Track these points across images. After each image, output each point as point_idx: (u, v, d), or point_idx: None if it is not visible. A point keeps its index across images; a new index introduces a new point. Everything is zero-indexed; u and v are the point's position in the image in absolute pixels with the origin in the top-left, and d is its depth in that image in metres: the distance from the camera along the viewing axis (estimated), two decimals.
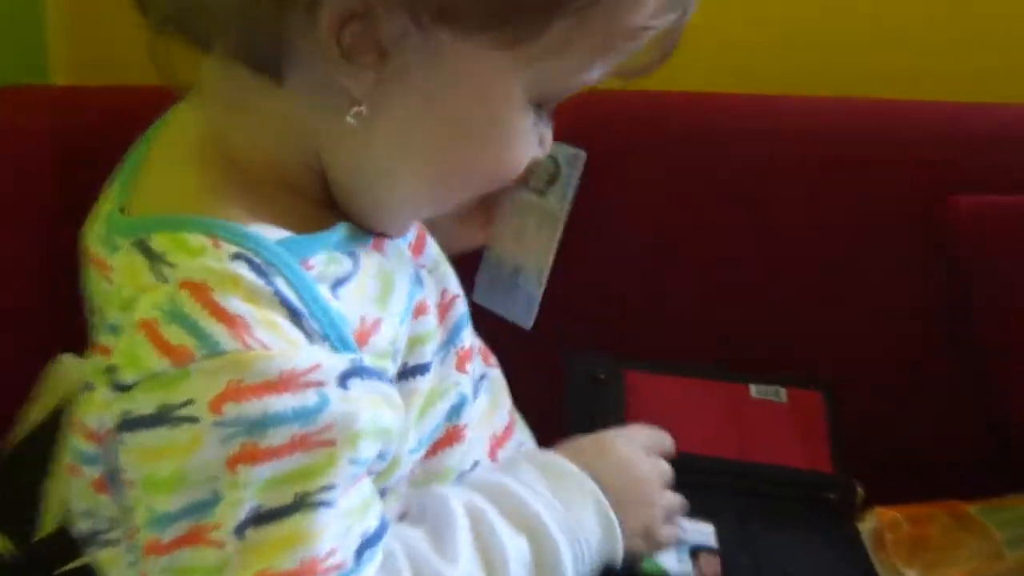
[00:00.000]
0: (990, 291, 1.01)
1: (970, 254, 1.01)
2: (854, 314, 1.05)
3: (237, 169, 0.63)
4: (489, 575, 0.65)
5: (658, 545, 0.74)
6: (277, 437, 0.56)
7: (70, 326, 0.68)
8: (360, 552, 0.59)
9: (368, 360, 0.61)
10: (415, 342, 0.67)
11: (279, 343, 0.56)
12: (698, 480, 0.79)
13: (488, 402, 0.77)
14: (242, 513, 0.56)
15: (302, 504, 0.57)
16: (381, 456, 0.62)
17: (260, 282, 0.57)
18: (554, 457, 0.71)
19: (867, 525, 0.93)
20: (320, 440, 0.57)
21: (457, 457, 0.71)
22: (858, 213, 1.03)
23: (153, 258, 0.59)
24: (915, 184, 1.02)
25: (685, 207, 1.02)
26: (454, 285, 0.75)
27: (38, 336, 0.88)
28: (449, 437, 0.71)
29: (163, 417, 0.56)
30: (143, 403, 0.56)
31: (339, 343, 0.59)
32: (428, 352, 0.68)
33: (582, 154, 0.78)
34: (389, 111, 0.60)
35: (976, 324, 1.02)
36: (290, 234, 0.61)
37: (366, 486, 0.61)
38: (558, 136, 0.70)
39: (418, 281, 0.70)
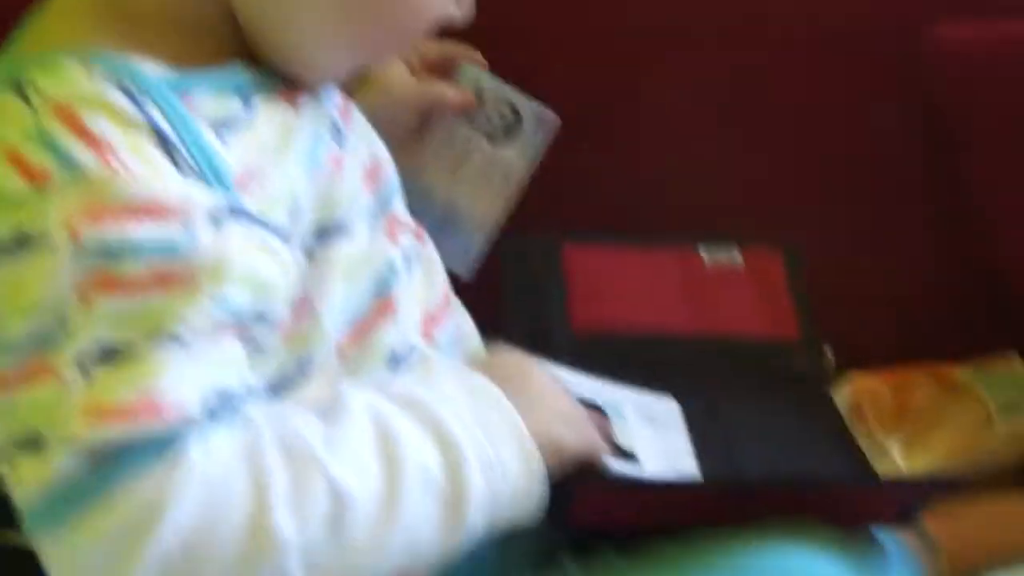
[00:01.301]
0: (975, 124, 0.99)
1: (952, 87, 1.00)
2: (824, 162, 1.03)
3: (125, 7, 0.63)
4: (387, 484, 0.61)
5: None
6: (135, 267, 0.56)
7: None
8: (213, 410, 0.58)
9: (250, 205, 0.61)
10: (329, 200, 0.67)
11: (146, 169, 0.57)
12: (656, 359, 0.79)
13: (422, 279, 0.76)
14: (89, 346, 0.56)
15: (153, 339, 0.56)
16: (261, 316, 0.61)
17: (131, 108, 0.57)
18: (484, 383, 0.68)
19: (843, 393, 0.94)
20: (182, 276, 0.57)
21: (391, 335, 0.70)
22: (831, 50, 1.01)
23: (23, 89, 0.59)
24: (889, 13, 1.00)
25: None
26: (384, 154, 0.76)
27: None
28: (379, 312, 0.70)
29: (19, 241, 0.57)
30: (1, 228, 0.57)
31: (215, 181, 0.59)
32: (348, 214, 0.69)
33: (551, 117, 0.79)
34: None
35: (961, 160, 1.00)
36: (176, 72, 0.62)
37: (233, 345, 0.60)
38: None
39: (337, 137, 0.70)
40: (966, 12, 1.00)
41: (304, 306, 0.65)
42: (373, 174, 0.74)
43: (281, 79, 0.67)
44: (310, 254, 0.66)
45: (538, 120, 0.79)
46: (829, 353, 0.90)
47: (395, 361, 0.71)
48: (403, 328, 0.72)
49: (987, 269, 1.02)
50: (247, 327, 0.61)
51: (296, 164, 0.66)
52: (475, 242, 0.83)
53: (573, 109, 0.88)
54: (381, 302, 0.71)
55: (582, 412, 0.70)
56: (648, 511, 0.72)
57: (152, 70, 0.61)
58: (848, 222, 1.02)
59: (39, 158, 0.58)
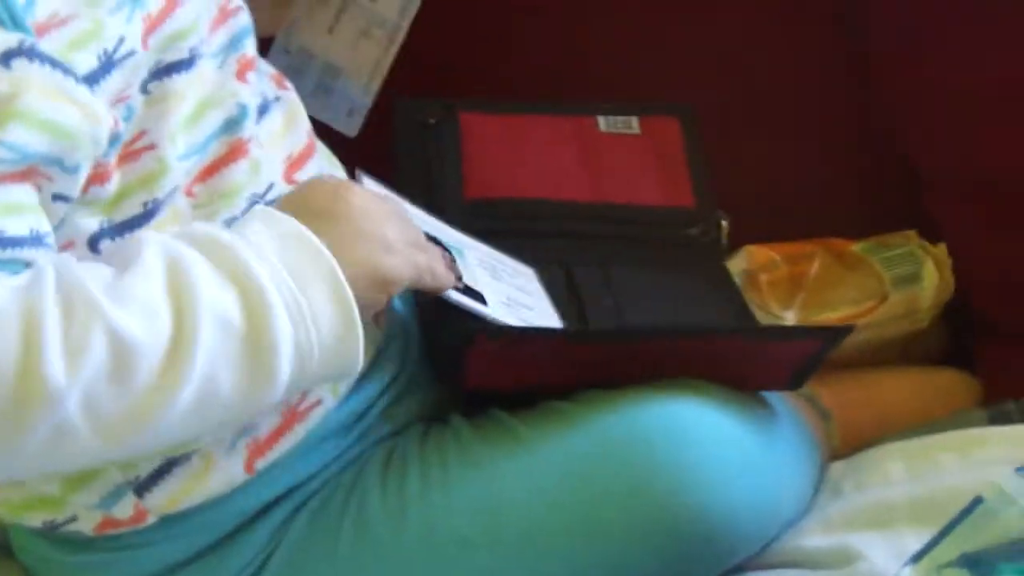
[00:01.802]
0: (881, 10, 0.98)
1: None
2: (724, 33, 1.01)
3: None
4: (177, 329, 0.61)
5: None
6: None
7: None
8: None
9: (50, 49, 0.60)
10: (164, 39, 0.66)
11: None
12: (550, 226, 0.80)
13: (282, 123, 0.77)
14: None
15: None
16: (63, 165, 0.61)
17: None
18: (290, 221, 0.67)
19: (738, 265, 0.95)
20: None
21: (243, 175, 0.71)
22: None
23: None
24: None
25: None
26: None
27: None
28: (230, 153, 0.71)
29: None
30: None
31: (9, 22, 0.59)
32: (187, 49, 0.68)
33: None
34: None
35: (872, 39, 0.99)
36: None
37: (22, 190, 0.60)
38: None
39: None
40: None
41: (145, 145, 0.66)
42: (225, 16, 0.73)
43: None
44: (147, 92, 0.66)
45: None
46: (725, 223, 0.89)
47: (254, 203, 0.71)
48: (261, 171, 0.72)
49: (892, 150, 1.01)
50: (44, 173, 0.61)
51: (109, 8, 0.64)
52: (358, 100, 0.83)
53: None
54: (232, 142, 0.71)
55: (413, 236, 0.70)
56: (539, 366, 0.72)
57: None
58: (746, 100, 1.01)
59: None
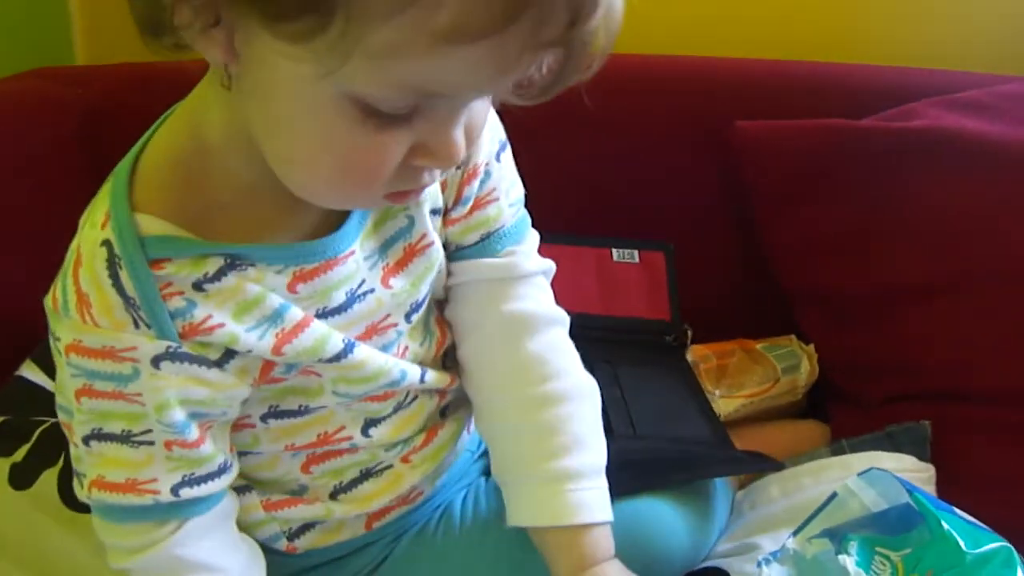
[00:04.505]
0: (761, 185, 1.15)
1: (751, 169, 1.14)
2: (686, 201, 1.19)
3: (203, 151, 0.67)
4: None
5: None
6: (104, 387, 0.68)
7: None
8: (177, 489, 0.71)
9: (190, 347, 0.68)
10: (284, 350, 0.71)
11: (108, 323, 0.66)
12: (578, 332, 0.84)
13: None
14: (85, 431, 0.70)
15: (128, 438, 0.70)
16: (206, 415, 0.72)
17: (106, 271, 0.65)
18: None
19: (687, 358, 1.13)
20: (133, 399, 0.68)
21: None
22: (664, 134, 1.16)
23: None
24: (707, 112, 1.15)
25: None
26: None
27: None
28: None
29: (55, 339, 0.69)
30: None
31: (161, 330, 0.67)
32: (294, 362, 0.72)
33: None
34: (244, 89, 0.61)
35: (757, 221, 1.16)
36: (175, 233, 0.66)
37: (198, 448, 0.72)
38: None
39: (340, 311, 0.73)
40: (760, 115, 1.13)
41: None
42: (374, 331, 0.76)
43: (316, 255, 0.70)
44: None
45: None
46: (689, 332, 1.11)
47: None
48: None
49: (776, 280, 1.16)
50: (205, 422, 0.71)
51: (248, 322, 0.69)
52: None
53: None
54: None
55: None
56: None
57: (154, 227, 0.66)
58: (701, 245, 1.17)
59: (60, 290, 0.68)
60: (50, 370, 1.02)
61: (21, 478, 0.99)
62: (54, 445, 0.99)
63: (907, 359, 1.05)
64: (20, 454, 1.01)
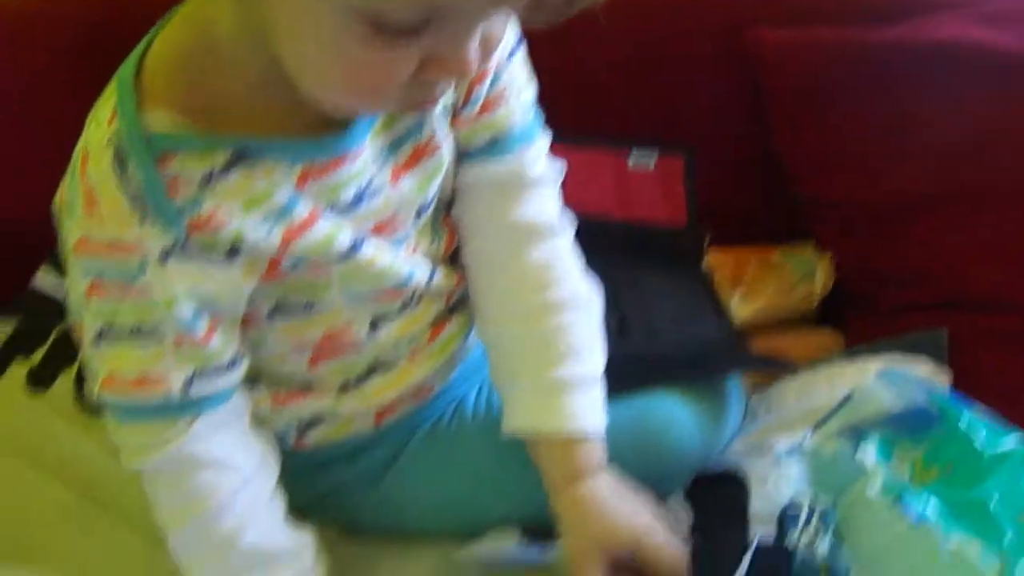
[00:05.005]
0: (785, 110, 1.12)
1: (769, 77, 1.11)
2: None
3: (211, 45, 0.66)
4: None
5: None
6: (112, 284, 0.68)
7: None
8: (188, 385, 0.71)
9: (198, 241, 0.68)
10: (292, 247, 0.71)
11: (115, 219, 0.66)
12: (594, 239, 0.84)
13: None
14: (95, 329, 0.71)
15: (137, 335, 0.70)
16: (215, 312, 0.72)
17: (115, 167, 0.65)
18: None
19: (704, 264, 1.11)
20: (141, 293, 0.68)
21: None
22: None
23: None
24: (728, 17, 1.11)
25: None
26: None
27: None
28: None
29: (63, 238, 0.70)
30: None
31: (167, 224, 0.67)
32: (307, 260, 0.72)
33: None
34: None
35: (773, 129, 1.14)
36: (182, 127, 0.66)
37: (207, 344, 0.72)
38: None
39: (341, 207, 0.72)
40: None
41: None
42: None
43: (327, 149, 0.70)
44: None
45: None
46: (707, 238, 1.09)
47: None
48: None
49: (793, 188, 1.15)
50: (214, 318, 0.71)
51: (256, 217, 0.69)
52: None
53: None
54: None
55: None
56: None
57: (160, 123, 0.66)
58: (719, 151, 1.15)
59: (68, 189, 0.69)
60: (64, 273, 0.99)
61: (39, 381, 1.01)
62: (71, 345, 1.01)
63: (923, 267, 1.06)
64: (37, 356, 1.03)
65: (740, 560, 0.77)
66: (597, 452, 0.78)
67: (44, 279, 1.11)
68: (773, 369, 0.98)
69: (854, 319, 1.11)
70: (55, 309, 1.06)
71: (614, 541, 0.76)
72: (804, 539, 0.73)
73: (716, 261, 1.13)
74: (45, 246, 1.04)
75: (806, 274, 1.13)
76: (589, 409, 0.78)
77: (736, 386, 0.93)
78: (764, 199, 1.18)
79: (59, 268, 1.10)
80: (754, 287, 1.12)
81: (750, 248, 1.16)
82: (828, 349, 1.06)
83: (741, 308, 1.10)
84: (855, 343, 1.04)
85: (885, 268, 1.09)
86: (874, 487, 0.71)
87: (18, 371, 1.02)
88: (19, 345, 1.05)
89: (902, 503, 0.69)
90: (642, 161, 1.10)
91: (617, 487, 0.78)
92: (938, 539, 0.66)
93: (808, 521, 0.74)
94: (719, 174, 1.15)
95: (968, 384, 0.91)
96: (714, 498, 0.86)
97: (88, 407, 0.97)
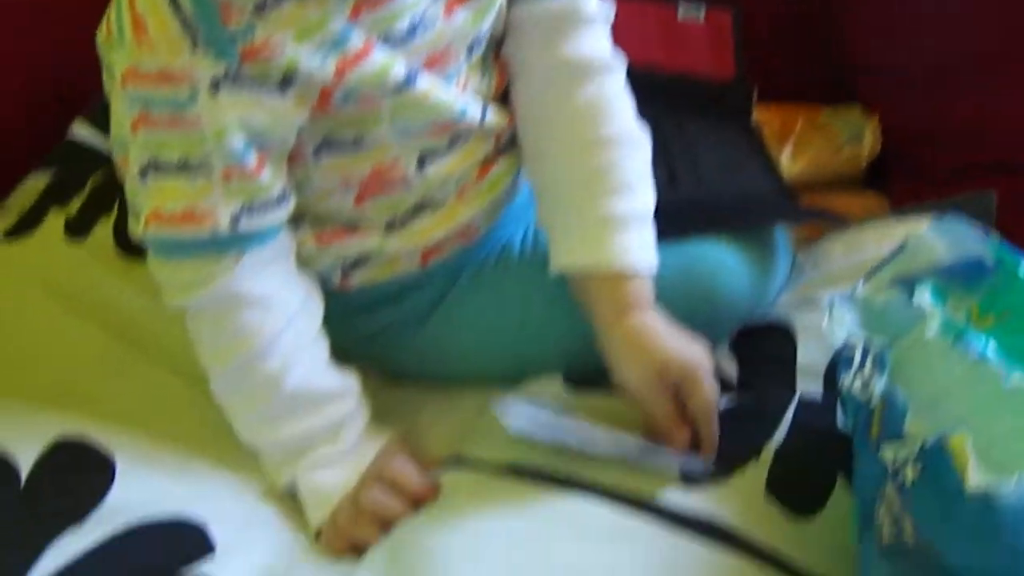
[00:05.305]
0: None
1: None
2: None
3: None
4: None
5: None
6: (160, 114, 0.68)
7: None
8: (236, 220, 0.71)
9: (250, 70, 0.68)
10: (344, 79, 0.71)
11: (165, 46, 0.66)
12: (642, 87, 0.83)
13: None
14: (141, 162, 0.70)
15: (185, 167, 0.69)
16: (263, 144, 0.71)
17: None
18: None
19: (752, 119, 1.11)
20: (191, 125, 0.68)
21: None
22: None
23: None
24: None
25: None
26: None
27: None
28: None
29: (110, 72, 0.70)
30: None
31: (220, 52, 0.67)
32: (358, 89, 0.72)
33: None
34: None
35: None
36: None
37: (257, 177, 0.71)
38: None
39: (393, 41, 0.72)
40: None
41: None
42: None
43: None
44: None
45: None
46: (755, 92, 1.09)
47: None
48: None
49: (841, 49, 1.15)
50: (264, 150, 0.71)
51: (309, 46, 0.69)
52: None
53: None
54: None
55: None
56: None
57: None
58: (769, 8, 1.15)
59: (116, 20, 0.69)
60: (102, 126, 1.02)
61: (77, 229, 1.01)
62: (108, 191, 1.01)
63: (975, 129, 1.04)
64: (74, 206, 1.03)
65: (783, 414, 0.77)
66: (647, 289, 0.77)
67: (80, 130, 1.11)
68: (823, 221, 0.97)
69: (901, 184, 1.11)
70: (92, 159, 1.06)
71: (673, 368, 0.75)
72: (858, 382, 0.71)
73: (763, 118, 1.11)
74: (82, 97, 1.04)
75: (852, 136, 1.13)
76: (640, 246, 0.77)
77: (784, 238, 0.92)
78: (812, 60, 1.17)
79: (95, 120, 1.09)
80: (801, 145, 1.12)
81: (797, 106, 1.15)
82: (874, 213, 1.06)
83: (789, 165, 1.09)
84: (897, 207, 1.04)
85: (935, 130, 1.08)
86: (932, 328, 0.69)
87: (55, 221, 1.02)
88: (56, 196, 1.05)
89: (963, 342, 0.67)
90: (691, 14, 1.09)
91: (668, 322, 0.77)
92: (1000, 376, 0.64)
93: (862, 364, 0.71)
94: (766, 33, 1.14)
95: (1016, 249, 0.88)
96: (761, 350, 0.86)
97: (129, 248, 0.97)
